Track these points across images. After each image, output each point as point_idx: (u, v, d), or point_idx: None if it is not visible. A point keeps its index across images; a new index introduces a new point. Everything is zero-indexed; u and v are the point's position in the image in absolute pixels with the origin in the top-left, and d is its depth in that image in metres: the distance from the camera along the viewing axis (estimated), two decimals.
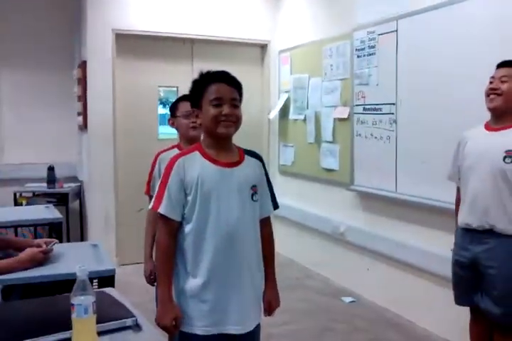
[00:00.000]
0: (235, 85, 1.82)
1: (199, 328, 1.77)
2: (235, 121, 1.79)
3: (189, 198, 1.76)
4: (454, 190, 2.70)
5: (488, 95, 2.43)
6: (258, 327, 1.90)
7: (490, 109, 2.45)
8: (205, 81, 1.81)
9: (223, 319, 1.78)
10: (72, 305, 1.37)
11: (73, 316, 1.37)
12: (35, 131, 5.44)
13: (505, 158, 2.32)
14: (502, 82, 2.39)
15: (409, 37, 3.59)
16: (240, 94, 1.85)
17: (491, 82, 2.44)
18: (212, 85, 1.78)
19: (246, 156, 1.89)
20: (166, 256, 1.78)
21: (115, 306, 1.68)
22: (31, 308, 1.68)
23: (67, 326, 1.38)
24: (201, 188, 1.75)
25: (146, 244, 2.59)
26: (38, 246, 2.28)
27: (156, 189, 1.81)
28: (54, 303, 1.71)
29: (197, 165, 1.78)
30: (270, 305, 1.96)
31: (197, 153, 1.81)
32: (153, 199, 1.81)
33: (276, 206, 2.01)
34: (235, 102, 1.80)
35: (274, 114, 5.47)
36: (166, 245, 1.78)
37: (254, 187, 1.84)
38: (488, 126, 2.48)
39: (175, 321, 1.75)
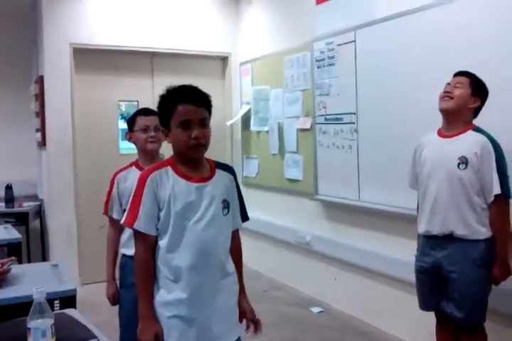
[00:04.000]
0: (204, 104, 1.81)
1: None
2: (204, 143, 1.79)
3: (161, 213, 1.75)
4: (414, 196, 2.74)
5: (441, 98, 2.51)
6: (239, 339, 1.90)
7: (441, 111, 2.52)
8: (172, 101, 1.78)
9: (201, 335, 1.77)
10: (29, 329, 1.32)
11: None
12: None
13: (459, 164, 2.38)
14: (456, 87, 2.48)
15: (367, 47, 3.65)
16: (210, 111, 1.84)
17: (445, 88, 2.53)
18: (179, 106, 1.75)
19: (217, 170, 1.88)
20: (146, 272, 1.78)
21: (76, 328, 1.63)
22: None
23: None
24: (174, 204, 1.75)
25: (107, 264, 2.54)
26: None
27: (128, 205, 1.79)
28: (10, 328, 1.63)
29: (170, 181, 1.77)
30: (251, 318, 1.95)
31: (169, 168, 1.80)
32: (125, 215, 1.79)
33: (246, 218, 1.99)
34: (204, 121, 1.79)
35: (232, 121, 5.45)
36: (145, 260, 1.78)
37: (224, 201, 1.85)
38: (440, 133, 2.55)
39: (156, 337, 1.73)
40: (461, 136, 2.45)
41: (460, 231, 2.40)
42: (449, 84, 2.53)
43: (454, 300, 2.46)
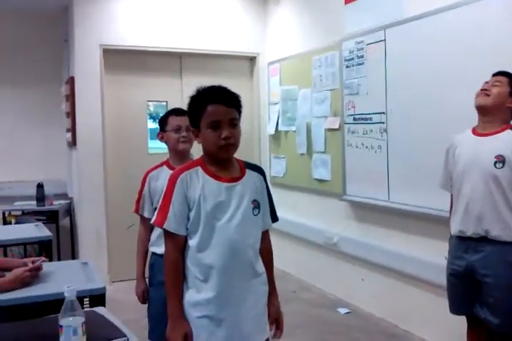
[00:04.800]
0: (234, 104, 1.81)
1: None
2: (234, 143, 1.79)
3: (191, 213, 1.76)
4: (447, 197, 2.68)
5: (478, 95, 2.46)
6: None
7: (477, 107, 2.46)
8: (202, 101, 1.78)
9: (230, 336, 1.76)
10: (61, 326, 1.33)
11: (61, 338, 1.33)
12: (24, 148, 5.41)
13: (495, 163, 2.32)
14: (494, 86, 2.43)
15: (398, 46, 3.60)
16: (239, 111, 1.84)
17: (483, 85, 2.47)
18: (209, 107, 1.75)
19: (247, 170, 1.88)
20: (176, 271, 1.78)
21: (106, 326, 1.64)
22: (18, 331, 1.63)
23: None
24: (204, 205, 1.75)
25: (138, 263, 2.57)
26: (25, 265, 2.23)
27: (158, 204, 1.80)
28: (42, 325, 1.65)
29: (200, 181, 1.77)
30: (277, 319, 1.95)
31: (199, 168, 1.81)
32: (155, 215, 1.80)
33: (275, 218, 1.99)
34: (234, 121, 1.79)
35: (272, 128, 5.44)
36: (174, 260, 1.78)
37: (254, 201, 1.84)
38: (475, 131, 2.49)
39: (185, 337, 1.73)
40: (498, 135, 2.38)
41: (496, 231, 2.32)
42: (487, 82, 2.47)
43: (489, 305, 2.37)
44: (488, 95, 2.41)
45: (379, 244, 3.89)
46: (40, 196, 4.93)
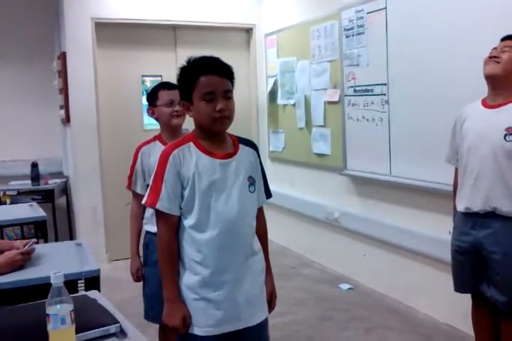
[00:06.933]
0: (227, 75, 1.71)
1: (201, 329, 1.70)
2: (229, 116, 1.69)
3: (185, 192, 1.68)
4: (451, 170, 2.59)
5: (486, 62, 2.31)
6: (266, 320, 1.85)
7: (486, 76, 2.32)
8: (194, 72, 1.68)
9: (229, 317, 1.71)
10: (48, 315, 1.26)
11: (49, 328, 1.25)
12: (17, 126, 5.28)
13: (505, 135, 2.20)
14: (503, 51, 2.27)
15: (399, 14, 3.46)
16: (232, 83, 1.73)
17: (491, 53, 2.33)
18: (202, 77, 1.66)
19: (241, 146, 1.80)
20: (170, 253, 1.72)
21: (98, 312, 1.56)
22: (5, 317, 1.56)
23: (46, 337, 1.27)
24: (199, 182, 1.68)
25: (131, 240, 2.53)
26: (16, 248, 2.16)
27: (150, 182, 1.73)
28: (30, 311, 1.58)
29: (193, 158, 1.69)
30: (271, 297, 1.90)
31: (191, 144, 1.72)
32: (147, 195, 1.71)
33: (269, 195, 1.91)
34: (228, 94, 1.69)
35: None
36: (169, 241, 1.72)
37: (250, 178, 1.78)
38: (485, 103, 2.36)
39: (183, 320, 1.68)
40: (509, 105, 2.24)
41: (505, 207, 2.22)
42: (495, 48, 2.32)
43: (496, 283, 2.29)
44: (497, 62, 2.26)
45: (381, 219, 3.82)
46: (35, 175, 4.85)
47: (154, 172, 1.71)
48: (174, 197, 1.68)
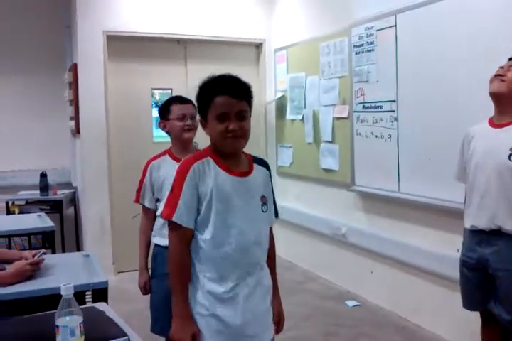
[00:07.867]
0: (243, 95, 1.71)
1: None
2: (242, 135, 1.69)
3: (202, 207, 1.67)
4: (459, 188, 2.58)
5: (492, 80, 2.32)
6: (273, 340, 1.84)
7: (491, 94, 2.32)
8: (210, 92, 1.69)
9: (237, 335, 1.70)
10: (57, 327, 1.26)
11: (58, 339, 1.26)
12: (27, 136, 5.32)
13: (510, 155, 2.20)
14: (509, 70, 2.28)
15: (409, 32, 3.48)
16: (250, 102, 1.74)
17: (497, 71, 2.33)
18: (217, 98, 1.66)
19: (255, 165, 1.81)
20: (181, 266, 1.70)
21: (106, 324, 1.57)
22: (14, 328, 1.56)
23: None
24: (217, 198, 1.67)
25: (140, 254, 2.52)
26: (25, 258, 2.17)
27: (165, 195, 1.72)
28: (40, 322, 1.59)
29: (211, 173, 1.69)
30: (279, 318, 1.89)
31: (210, 159, 1.71)
32: (163, 207, 1.70)
33: (276, 214, 1.91)
34: (242, 114, 1.69)
35: (272, 100, 5.34)
36: (181, 255, 1.69)
37: (263, 197, 1.78)
38: (491, 122, 2.36)
39: (193, 338, 1.66)
40: None
41: (509, 226, 2.22)
42: (502, 67, 2.32)
43: (501, 300, 2.28)
44: (503, 81, 2.26)
45: (388, 235, 3.81)
46: (44, 185, 4.88)
47: (172, 185, 1.70)
48: (191, 210, 1.67)
